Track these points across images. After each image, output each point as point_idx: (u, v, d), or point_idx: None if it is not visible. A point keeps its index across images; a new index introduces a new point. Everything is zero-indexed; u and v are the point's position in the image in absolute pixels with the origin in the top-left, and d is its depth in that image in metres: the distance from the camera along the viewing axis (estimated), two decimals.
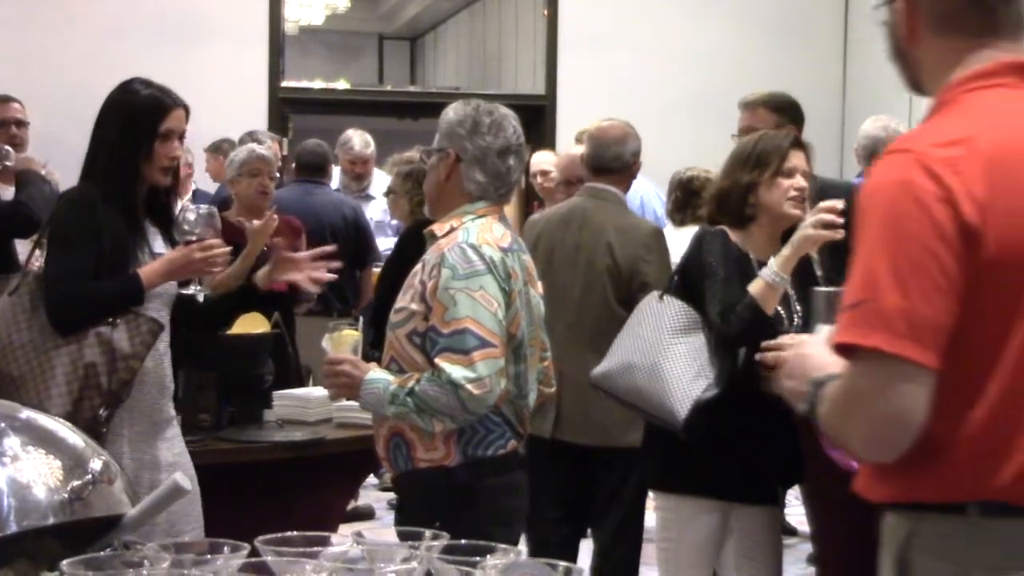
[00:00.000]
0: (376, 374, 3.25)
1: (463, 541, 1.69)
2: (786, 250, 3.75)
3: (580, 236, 4.89)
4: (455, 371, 3.10)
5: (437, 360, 3.13)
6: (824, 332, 2.18)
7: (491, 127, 3.36)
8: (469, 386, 3.10)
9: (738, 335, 3.71)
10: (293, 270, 3.90)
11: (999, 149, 1.94)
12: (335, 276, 4.09)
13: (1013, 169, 1.93)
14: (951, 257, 1.89)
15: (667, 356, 3.75)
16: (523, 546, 4.96)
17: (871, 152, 6.47)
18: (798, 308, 3.93)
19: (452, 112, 3.42)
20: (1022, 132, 1.98)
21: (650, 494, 4.33)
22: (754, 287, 3.73)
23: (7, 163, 5.61)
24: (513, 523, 3.43)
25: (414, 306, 3.25)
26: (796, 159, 3.89)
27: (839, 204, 3.78)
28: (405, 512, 3.44)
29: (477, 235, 3.25)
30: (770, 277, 3.72)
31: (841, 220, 3.71)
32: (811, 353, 2.13)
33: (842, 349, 1.95)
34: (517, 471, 3.40)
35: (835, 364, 2.01)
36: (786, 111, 5.21)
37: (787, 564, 4.27)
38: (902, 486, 2.01)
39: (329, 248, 4.06)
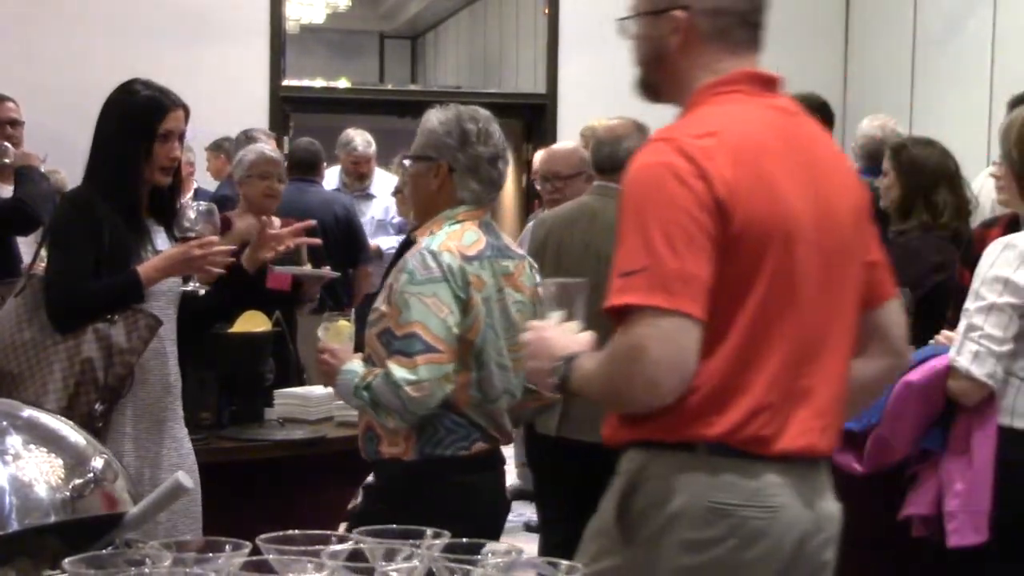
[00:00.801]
0: (351, 365, 3.35)
1: (464, 540, 1.69)
2: None
3: (588, 234, 4.89)
4: (399, 373, 3.21)
5: (387, 361, 3.25)
6: (556, 317, 2.43)
7: (480, 136, 3.39)
8: (408, 388, 3.20)
9: None
10: (275, 245, 3.88)
11: (740, 143, 2.24)
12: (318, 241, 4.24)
13: (752, 159, 2.22)
14: (711, 224, 2.16)
15: None
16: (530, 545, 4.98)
17: (869, 151, 6.45)
18: None
19: (436, 121, 3.42)
20: (757, 130, 2.28)
21: None
22: None
23: (5, 160, 5.61)
24: (468, 525, 3.44)
25: (383, 307, 3.33)
26: None
27: None
28: (364, 499, 3.47)
29: (441, 242, 3.31)
30: None
31: None
32: (552, 335, 2.37)
33: (622, 310, 2.18)
34: (484, 474, 3.42)
35: (575, 344, 2.32)
36: (815, 112, 5.19)
37: None
38: (642, 428, 2.26)
39: (310, 223, 4.08)
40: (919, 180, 4.53)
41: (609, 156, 4.98)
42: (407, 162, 3.58)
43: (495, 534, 3.34)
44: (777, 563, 2.24)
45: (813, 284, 2.26)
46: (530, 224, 6.82)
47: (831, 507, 2.39)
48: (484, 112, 3.47)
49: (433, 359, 3.22)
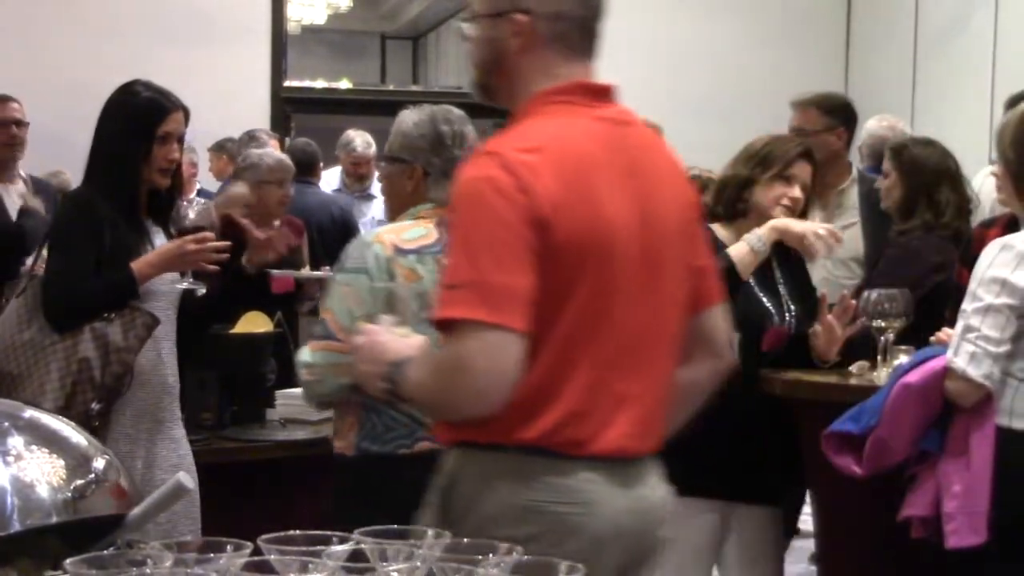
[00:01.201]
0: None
1: (465, 540, 1.69)
2: (779, 224, 3.78)
3: None
4: (302, 355, 3.23)
5: None
6: (388, 321, 2.46)
7: (454, 138, 3.39)
8: (303, 370, 3.22)
9: None
10: (268, 250, 3.89)
11: (564, 157, 2.26)
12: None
13: (575, 173, 2.26)
14: (532, 239, 2.19)
15: None
16: None
17: (876, 151, 6.46)
18: (792, 308, 3.94)
19: (411, 123, 3.42)
20: (582, 143, 2.31)
21: None
22: (734, 248, 3.74)
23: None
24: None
25: None
26: (800, 169, 3.91)
27: (842, 237, 3.93)
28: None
29: (378, 233, 3.30)
30: (754, 242, 3.73)
31: (836, 252, 3.81)
32: (383, 340, 2.38)
33: (447, 323, 2.21)
34: (429, 474, 3.37)
35: (408, 348, 2.34)
36: (838, 113, 5.20)
37: (789, 563, 4.27)
38: (460, 430, 2.32)
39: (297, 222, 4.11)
40: (921, 179, 4.53)
41: None
42: (383, 163, 3.59)
43: None
44: (595, 557, 2.22)
45: (632, 294, 2.31)
46: None
47: (654, 496, 2.43)
48: (458, 112, 3.45)
49: (330, 347, 3.18)
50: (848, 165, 5.22)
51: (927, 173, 4.54)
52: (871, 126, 6.60)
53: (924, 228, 4.48)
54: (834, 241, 3.82)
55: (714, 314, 2.53)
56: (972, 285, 3.26)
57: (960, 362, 3.21)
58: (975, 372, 3.19)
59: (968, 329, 3.22)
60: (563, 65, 2.38)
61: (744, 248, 3.73)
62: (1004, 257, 3.23)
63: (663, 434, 2.45)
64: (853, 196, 5.13)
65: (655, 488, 2.44)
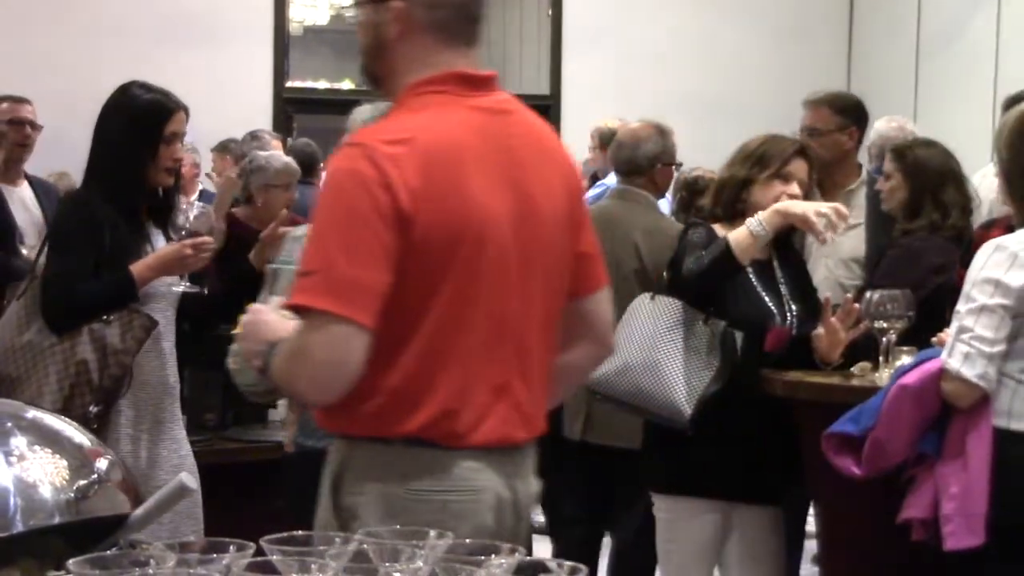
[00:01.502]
0: None
1: (467, 540, 1.69)
2: (780, 206, 3.74)
3: (608, 239, 4.88)
4: (233, 344, 3.24)
5: None
6: (274, 302, 2.52)
7: None
8: (229, 360, 3.30)
9: (703, 271, 3.69)
10: (274, 250, 3.90)
11: (434, 148, 2.27)
12: None
13: (444, 165, 2.26)
14: (389, 234, 2.21)
15: (665, 354, 3.75)
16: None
17: (884, 152, 6.45)
18: (793, 307, 3.94)
19: (360, 120, 3.44)
20: (454, 133, 2.31)
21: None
22: (734, 232, 3.71)
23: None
24: None
25: None
26: (797, 167, 3.90)
27: (847, 213, 3.81)
28: None
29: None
30: (754, 226, 3.69)
31: (840, 228, 3.75)
32: (267, 319, 2.40)
33: (297, 309, 2.26)
34: None
35: (287, 329, 2.32)
36: (850, 112, 5.18)
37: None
38: (343, 421, 2.35)
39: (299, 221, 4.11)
40: (926, 180, 4.53)
41: (628, 159, 4.98)
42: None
43: None
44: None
45: (507, 283, 2.33)
46: None
47: (531, 488, 2.47)
48: None
49: None
50: (858, 166, 5.21)
51: (932, 174, 4.54)
52: (880, 127, 6.60)
53: (930, 228, 4.47)
54: (837, 218, 3.76)
55: (596, 300, 2.56)
56: (966, 286, 3.26)
57: (954, 363, 3.21)
58: (969, 373, 3.19)
59: (962, 330, 3.22)
60: (441, 53, 2.37)
61: (743, 231, 3.70)
62: (998, 258, 3.22)
63: (544, 421, 2.48)
64: (861, 197, 5.12)
65: (530, 481, 2.48)
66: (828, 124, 5.10)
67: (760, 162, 3.88)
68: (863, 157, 5.57)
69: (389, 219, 2.21)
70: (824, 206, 3.79)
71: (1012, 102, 5.57)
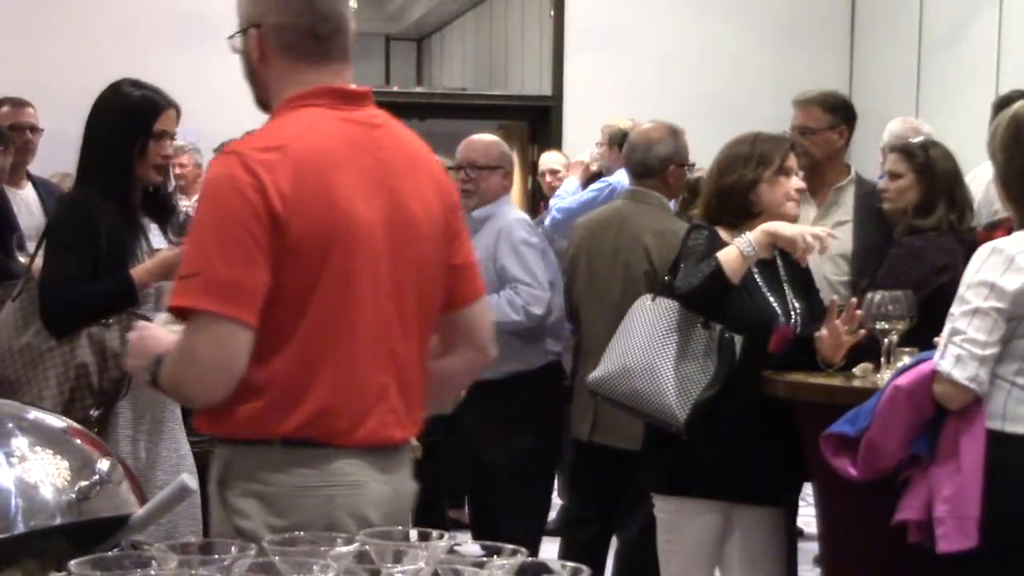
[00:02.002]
0: None
1: (469, 541, 1.69)
2: (769, 227, 3.76)
3: (618, 240, 4.90)
4: None
5: None
6: (161, 318, 2.56)
7: None
8: None
9: (693, 291, 3.71)
10: None
11: (305, 156, 2.38)
12: None
13: (315, 172, 2.37)
14: (264, 236, 2.30)
15: (663, 357, 3.75)
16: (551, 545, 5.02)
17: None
18: (796, 305, 3.94)
19: None
20: (325, 143, 2.42)
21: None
22: (724, 252, 3.73)
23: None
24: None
25: None
26: (792, 160, 3.94)
27: (834, 238, 3.96)
28: None
29: None
30: (744, 247, 3.72)
31: (824, 250, 3.81)
32: (152, 335, 2.50)
33: (180, 311, 2.34)
34: None
35: (172, 343, 2.40)
36: (840, 111, 5.22)
37: None
38: (223, 424, 2.41)
39: None
40: (941, 180, 4.54)
41: (641, 161, 4.99)
42: None
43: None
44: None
45: (380, 288, 2.42)
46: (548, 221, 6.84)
47: (407, 486, 2.56)
48: None
49: None
50: (847, 165, 5.25)
51: (947, 174, 4.56)
52: (894, 128, 6.61)
53: (946, 228, 4.48)
54: (825, 244, 3.82)
55: (473, 310, 2.64)
56: (961, 288, 3.26)
57: (946, 365, 3.21)
58: (960, 375, 3.19)
59: (955, 332, 3.22)
60: (305, 72, 2.50)
61: (734, 252, 3.72)
62: (994, 261, 3.22)
63: (421, 421, 2.57)
64: (850, 194, 5.16)
65: (408, 479, 2.57)
66: (819, 123, 5.14)
67: (763, 162, 3.89)
68: (857, 159, 5.58)
69: (264, 222, 2.30)
70: (815, 230, 3.84)
71: (1003, 103, 5.58)
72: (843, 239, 4.98)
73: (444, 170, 2.66)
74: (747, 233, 3.75)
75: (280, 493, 2.37)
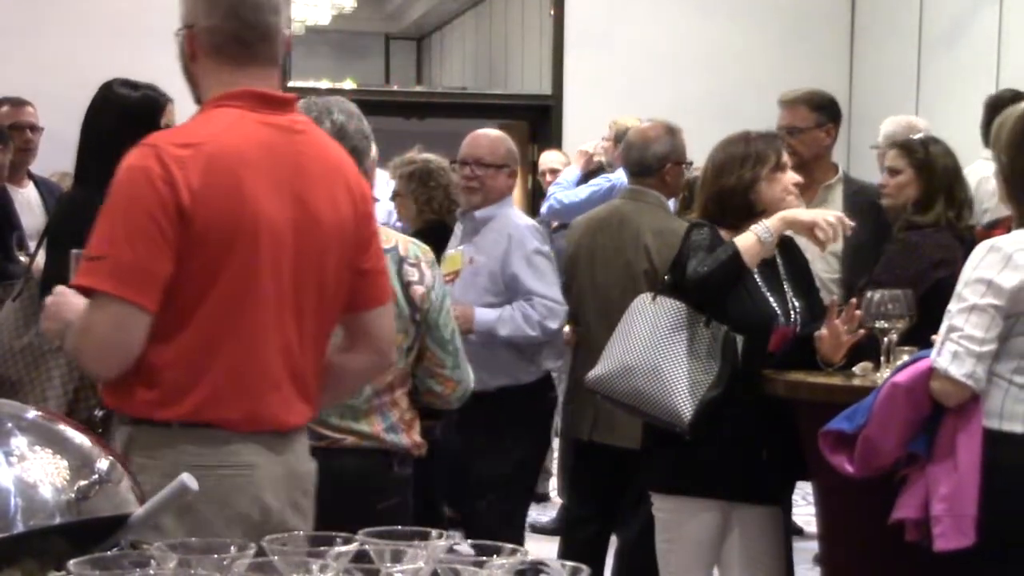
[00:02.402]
0: None
1: (470, 540, 1.69)
2: (787, 214, 3.78)
3: (618, 239, 4.90)
4: None
5: None
6: None
7: (332, 133, 3.32)
8: None
9: (709, 275, 3.71)
10: None
11: (217, 154, 2.52)
12: None
13: (225, 169, 2.51)
14: (169, 226, 2.45)
15: (666, 357, 3.75)
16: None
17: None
18: (796, 304, 3.94)
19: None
20: (239, 143, 2.55)
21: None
22: (741, 237, 3.73)
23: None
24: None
25: None
26: (786, 156, 3.96)
27: (850, 224, 3.91)
28: None
29: None
30: (762, 232, 3.73)
31: (836, 240, 3.80)
32: (67, 300, 2.60)
33: (83, 290, 2.50)
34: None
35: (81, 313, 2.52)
36: (826, 110, 5.25)
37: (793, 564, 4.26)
38: (125, 403, 2.56)
39: None
40: (940, 177, 4.54)
41: (638, 160, 4.99)
42: None
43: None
44: (258, 514, 2.54)
45: (283, 283, 2.56)
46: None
47: (306, 467, 2.70)
48: (349, 107, 3.42)
49: None
50: (834, 164, 5.28)
51: (946, 171, 4.56)
52: (886, 128, 6.61)
53: (943, 223, 4.48)
54: (843, 227, 3.83)
55: (376, 315, 2.77)
56: (959, 286, 3.26)
57: (943, 362, 3.21)
58: (957, 372, 3.19)
59: (952, 329, 3.22)
60: (232, 74, 2.64)
61: (751, 239, 3.73)
62: (992, 259, 3.22)
63: (315, 410, 2.71)
64: (838, 193, 5.18)
65: (304, 460, 2.70)
66: (807, 122, 5.16)
67: (759, 160, 3.89)
68: (856, 159, 5.61)
69: (170, 213, 2.45)
70: (830, 215, 3.84)
71: (995, 102, 5.59)
72: None
73: (362, 180, 2.79)
74: (764, 220, 3.76)
75: (176, 473, 2.40)
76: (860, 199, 5.13)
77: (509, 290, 4.72)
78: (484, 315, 4.61)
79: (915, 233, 4.47)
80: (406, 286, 3.38)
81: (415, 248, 3.44)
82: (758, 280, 3.89)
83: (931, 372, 3.24)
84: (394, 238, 3.43)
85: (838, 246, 5.06)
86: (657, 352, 3.76)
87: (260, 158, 2.56)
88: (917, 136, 5.02)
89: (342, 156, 2.75)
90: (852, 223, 3.95)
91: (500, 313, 4.63)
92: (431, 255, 3.51)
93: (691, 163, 5.29)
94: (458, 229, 4.99)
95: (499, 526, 4.77)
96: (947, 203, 4.50)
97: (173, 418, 2.52)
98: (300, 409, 2.65)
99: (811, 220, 3.79)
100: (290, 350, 2.59)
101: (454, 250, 4.65)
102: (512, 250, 4.73)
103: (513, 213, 4.98)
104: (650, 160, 4.96)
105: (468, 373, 3.54)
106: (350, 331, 2.78)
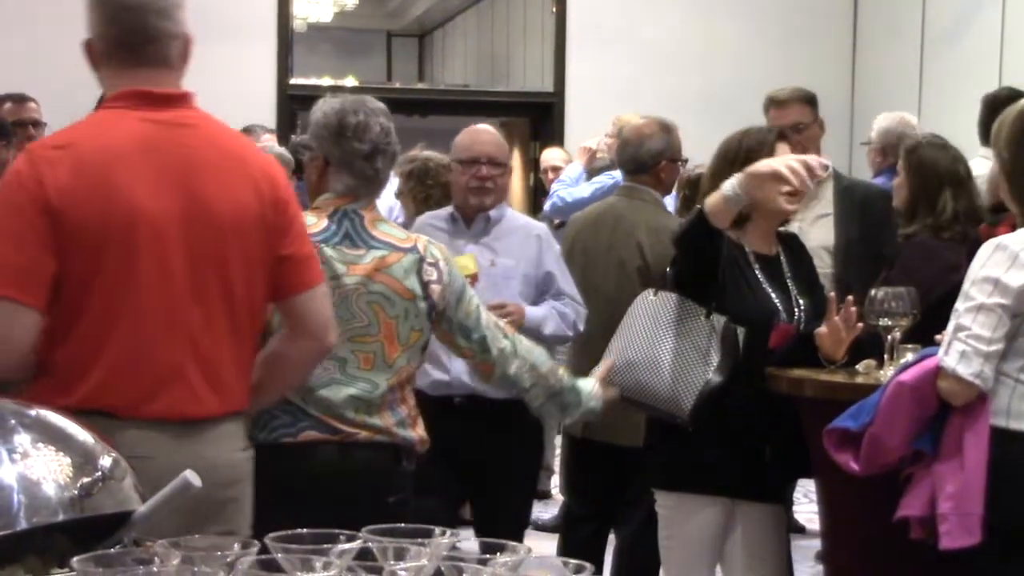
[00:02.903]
0: None
1: (472, 538, 1.69)
2: (749, 168, 3.58)
3: (612, 236, 4.89)
4: None
5: None
6: None
7: (356, 130, 3.34)
8: None
9: (681, 232, 3.66)
10: None
11: (89, 153, 2.65)
12: None
13: (99, 167, 2.63)
14: (42, 225, 2.58)
15: (667, 349, 3.74)
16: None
17: (887, 147, 6.48)
18: (800, 302, 3.93)
19: (320, 112, 3.43)
20: (116, 141, 2.67)
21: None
22: (709, 198, 3.61)
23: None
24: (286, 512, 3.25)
25: None
26: (782, 151, 3.85)
27: (825, 163, 3.83)
28: None
29: None
30: (727, 189, 3.57)
31: (809, 178, 3.57)
32: None
33: None
34: (304, 462, 3.28)
35: None
36: (815, 104, 5.29)
37: (795, 562, 4.26)
38: (30, 393, 2.53)
39: None
40: (924, 182, 4.53)
41: (633, 157, 4.98)
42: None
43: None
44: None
45: (175, 278, 2.65)
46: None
47: (218, 456, 2.72)
48: (375, 105, 3.41)
49: None
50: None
51: (932, 176, 4.53)
52: (879, 124, 6.63)
53: (931, 231, 4.47)
54: (813, 167, 3.59)
55: (307, 298, 2.83)
56: (965, 285, 3.26)
57: (950, 361, 3.21)
58: (965, 371, 3.18)
59: (959, 328, 3.21)
60: (123, 76, 2.78)
61: (717, 195, 3.59)
62: (998, 257, 3.22)
63: (234, 400, 2.77)
64: (828, 188, 5.19)
65: (220, 448, 2.74)
66: (808, 118, 5.19)
67: (748, 160, 3.82)
68: (859, 156, 5.62)
69: (42, 211, 2.57)
70: (792, 158, 3.60)
71: (992, 100, 5.58)
72: (826, 232, 5.00)
73: (272, 169, 2.84)
74: (734, 176, 3.61)
75: None
76: (850, 195, 5.15)
77: (540, 288, 4.65)
78: (532, 313, 4.56)
79: (929, 238, 4.47)
80: (425, 285, 3.39)
81: (433, 248, 3.46)
82: (759, 276, 3.88)
83: (938, 371, 3.24)
84: (414, 239, 3.45)
85: (830, 241, 5.06)
86: (657, 344, 3.75)
87: (136, 154, 2.66)
88: (922, 136, 5.01)
89: (242, 148, 2.86)
90: (825, 160, 3.85)
91: (545, 312, 4.59)
92: (448, 253, 3.55)
93: (687, 160, 5.28)
94: (451, 228, 4.76)
95: (501, 524, 4.77)
96: (928, 210, 4.48)
97: (68, 404, 2.49)
98: (210, 399, 2.71)
99: (770, 169, 3.53)
100: (194, 340, 2.67)
101: (465, 254, 4.56)
102: (544, 250, 4.67)
103: (516, 213, 4.97)
104: (645, 157, 4.95)
105: (504, 357, 3.50)
106: (285, 317, 2.85)
